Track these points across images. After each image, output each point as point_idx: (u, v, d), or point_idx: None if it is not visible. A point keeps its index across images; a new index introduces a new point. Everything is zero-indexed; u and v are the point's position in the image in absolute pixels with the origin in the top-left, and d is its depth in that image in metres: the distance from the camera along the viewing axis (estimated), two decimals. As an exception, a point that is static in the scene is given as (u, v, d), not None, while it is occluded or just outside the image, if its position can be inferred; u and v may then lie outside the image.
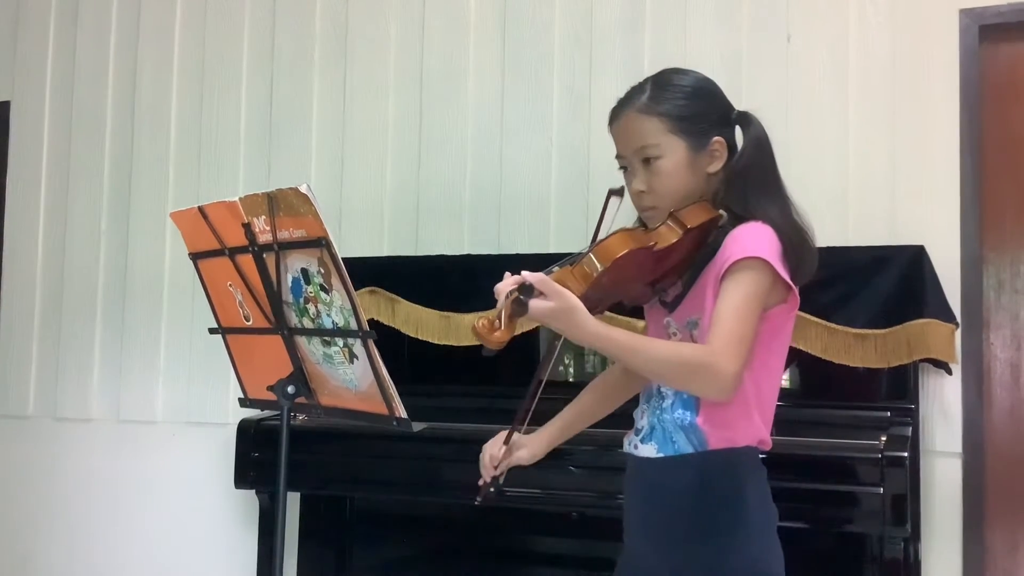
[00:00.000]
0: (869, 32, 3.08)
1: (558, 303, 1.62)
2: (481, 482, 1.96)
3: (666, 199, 1.80)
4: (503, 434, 1.95)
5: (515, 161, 3.44)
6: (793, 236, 1.76)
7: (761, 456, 1.81)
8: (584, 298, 1.65)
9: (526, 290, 1.60)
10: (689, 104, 1.81)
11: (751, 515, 1.76)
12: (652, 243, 1.71)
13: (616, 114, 1.87)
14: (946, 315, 2.74)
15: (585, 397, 2.08)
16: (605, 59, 3.35)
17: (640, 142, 1.80)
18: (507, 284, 1.63)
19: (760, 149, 1.83)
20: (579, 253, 1.71)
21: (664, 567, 1.78)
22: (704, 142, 1.81)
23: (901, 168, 3.01)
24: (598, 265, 1.67)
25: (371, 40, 3.66)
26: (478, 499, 1.97)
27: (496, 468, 1.94)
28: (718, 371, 1.64)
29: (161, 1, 3.97)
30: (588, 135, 3.33)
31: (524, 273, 1.63)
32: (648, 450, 1.82)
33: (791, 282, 1.74)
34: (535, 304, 1.61)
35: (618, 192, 1.85)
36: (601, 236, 1.74)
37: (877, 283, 2.79)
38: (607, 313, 2.14)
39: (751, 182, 1.80)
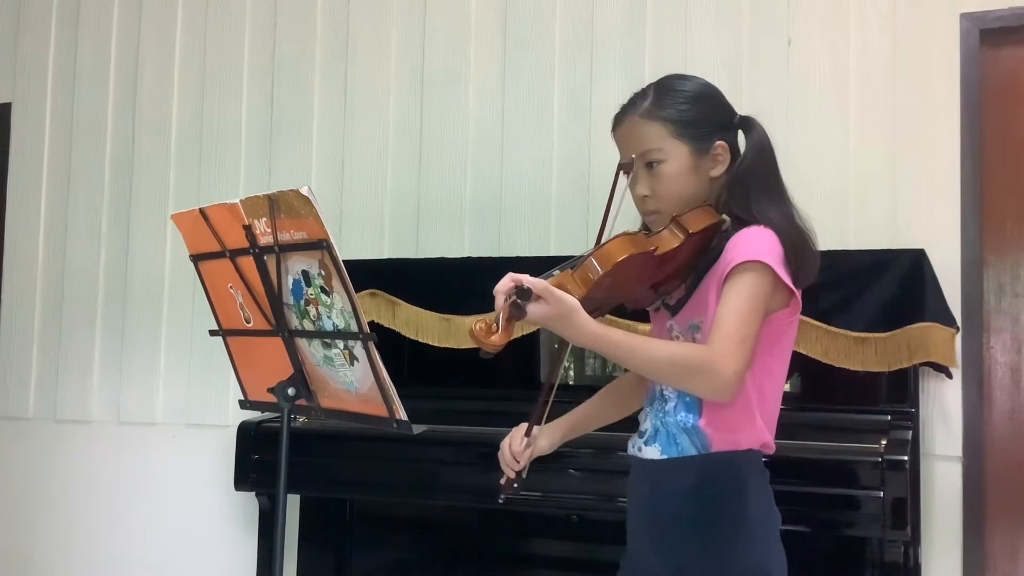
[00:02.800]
0: (870, 35, 3.08)
1: (555, 307, 1.63)
2: (504, 480, 1.93)
3: (670, 203, 1.81)
4: (520, 428, 1.93)
5: (516, 164, 3.45)
6: (795, 240, 1.77)
7: (763, 460, 1.82)
8: (584, 301, 1.66)
9: (523, 294, 1.61)
10: (692, 109, 1.82)
11: (754, 518, 1.76)
12: (653, 248, 1.72)
13: (619, 120, 1.88)
14: (946, 319, 2.74)
15: (600, 399, 2.09)
16: (606, 62, 3.36)
17: (643, 146, 1.81)
18: (505, 286, 1.64)
19: (762, 154, 1.84)
20: (581, 256, 1.71)
21: (666, 569, 1.78)
22: (707, 146, 1.83)
23: (902, 171, 3.01)
24: (599, 269, 1.68)
25: (372, 43, 3.67)
26: (502, 497, 1.94)
27: (519, 462, 1.91)
28: (717, 371, 1.64)
29: (162, 3, 3.97)
30: (589, 138, 3.34)
31: (522, 277, 1.64)
32: (652, 452, 1.82)
33: (793, 286, 1.74)
34: (533, 308, 1.62)
35: (627, 166, 1.83)
36: (612, 226, 1.75)
37: (877, 287, 2.79)
38: (608, 316, 2.14)
39: (754, 186, 1.80)
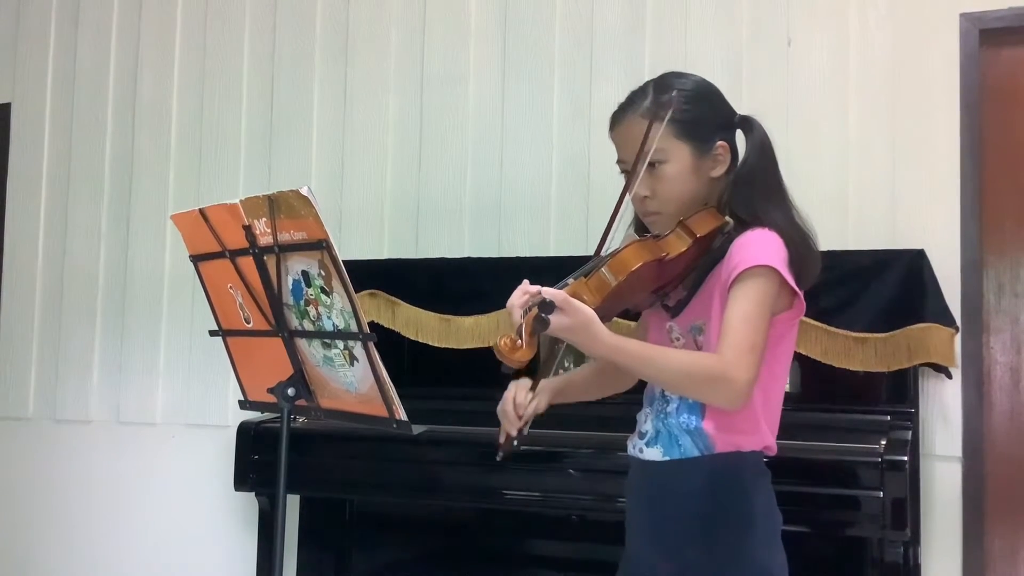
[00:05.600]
0: (869, 35, 3.08)
1: (575, 318, 1.61)
2: (503, 436, 1.84)
3: (670, 204, 1.80)
4: (523, 383, 1.85)
5: (515, 164, 3.45)
6: (798, 242, 1.76)
7: (764, 460, 1.81)
8: (597, 309, 1.65)
9: (546, 307, 1.59)
10: (692, 108, 1.80)
11: (757, 520, 1.76)
12: (664, 253, 1.71)
13: (617, 119, 1.86)
14: (946, 319, 2.74)
15: (590, 372, 2.06)
16: (605, 62, 3.36)
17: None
18: (521, 299, 1.62)
19: (764, 154, 1.82)
20: (590, 264, 1.70)
21: (668, 571, 1.78)
22: (708, 147, 1.81)
23: (901, 171, 3.01)
24: (613, 278, 1.67)
25: (372, 42, 3.67)
26: (500, 455, 1.85)
27: (521, 417, 1.82)
28: (731, 381, 1.64)
29: (162, 3, 3.97)
30: (588, 138, 3.33)
31: (540, 289, 1.62)
32: (653, 453, 1.82)
33: (797, 288, 1.74)
34: (555, 320, 1.60)
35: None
36: (614, 248, 1.73)
37: (877, 287, 2.79)
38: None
39: (756, 187, 1.79)
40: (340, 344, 1.92)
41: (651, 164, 1.79)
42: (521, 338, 1.58)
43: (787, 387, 2.84)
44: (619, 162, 1.86)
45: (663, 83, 1.84)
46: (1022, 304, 3.01)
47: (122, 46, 4.02)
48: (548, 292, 1.61)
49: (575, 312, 1.61)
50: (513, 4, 3.49)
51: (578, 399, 2.04)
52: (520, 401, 1.83)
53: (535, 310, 1.59)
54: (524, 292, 1.63)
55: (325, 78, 3.73)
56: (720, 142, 1.82)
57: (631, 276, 1.67)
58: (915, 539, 2.70)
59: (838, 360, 2.76)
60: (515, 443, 1.83)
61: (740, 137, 1.88)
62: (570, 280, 1.68)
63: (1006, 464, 2.97)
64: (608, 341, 1.65)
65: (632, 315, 2.46)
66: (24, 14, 4.18)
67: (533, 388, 1.84)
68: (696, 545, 1.75)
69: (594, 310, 1.64)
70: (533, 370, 1.78)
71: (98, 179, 4.00)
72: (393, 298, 3.24)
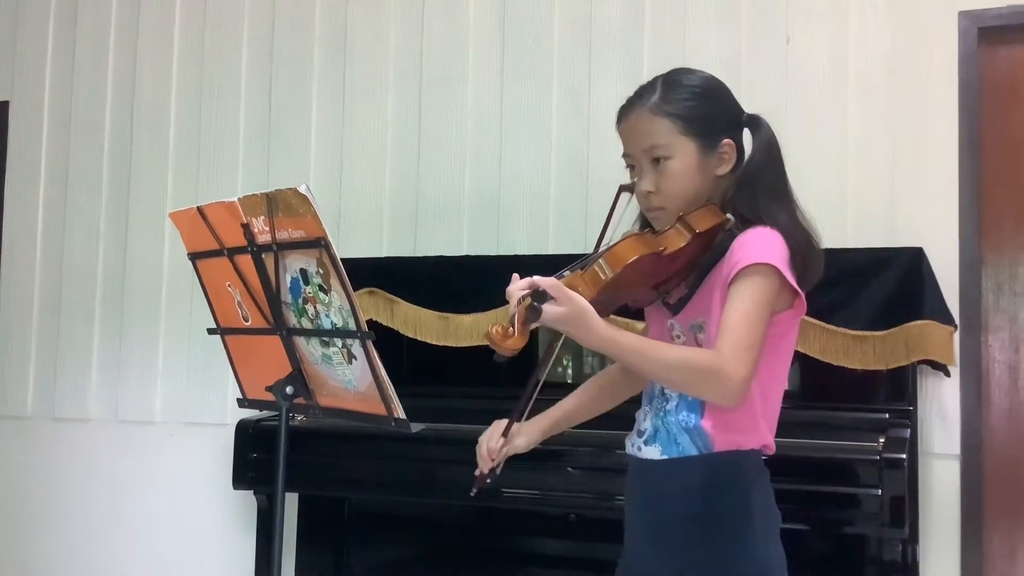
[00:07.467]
0: (868, 34, 3.08)
1: (570, 308, 1.61)
2: (478, 472, 1.90)
3: (674, 200, 1.79)
4: (500, 424, 1.90)
5: (514, 162, 3.45)
6: (801, 241, 1.75)
7: (763, 459, 1.81)
8: (593, 302, 1.64)
9: (539, 296, 1.59)
10: (700, 105, 1.79)
11: (755, 519, 1.75)
12: (662, 248, 1.70)
13: (625, 113, 1.85)
14: (945, 317, 2.75)
15: (585, 391, 2.05)
16: (604, 61, 3.36)
17: (650, 142, 1.78)
18: (518, 288, 1.62)
19: (770, 154, 1.81)
20: (588, 257, 1.70)
21: (667, 570, 1.77)
22: (714, 144, 1.80)
23: (900, 170, 3.01)
24: (609, 270, 1.67)
25: (371, 41, 3.67)
26: (474, 490, 1.90)
27: (494, 460, 1.88)
28: (727, 377, 1.63)
29: (160, 2, 3.97)
30: (587, 137, 3.33)
31: (536, 278, 1.61)
32: (652, 452, 1.81)
33: (798, 287, 1.74)
34: (548, 309, 1.59)
35: (628, 188, 1.83)
36: (611, 238, 1.73)
37: (876, 285, 2.79)
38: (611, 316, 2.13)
39: (761, 187, 1.78)
40: (338, 342, 1.92)
41: (656, 160, 1.79)
42: (513, 326, 1.58)
43: (786, 385, 2.84)
44: (625, 156, 1.85)
45: (672, 79, 1.84)
46: (1020, 302, 3.02)
47: (121, 45, 4.02)
48: (543, 282, 1.61)
49: (569, 301, 1.61)
50: (512, 3, 3.49)
51: (585, 419, 2.04)
52: (492, 447, 1.89)
53: (529, 299, 1.59)
54: (523, 281, 1.62)
55: (324, 77, 3.73)
56: (726, 140, 1.81)
57: (626, 269, 1.66)
58: (913, 537, 2.70)
59: (837, 358, 2.76)
60: (487, 480, 1.89)
61: (746, 136, 1.88)
62: (566, 272, 1.68)
63: (1004, 462, 2.98)
64: (603, 333, 1.64)
65: (632, 313, 2.46)
66: (23, 12, 4.17)
67: (505, 433, 1.89)
68: (695, 544, 1.75)
69: (589, 303, 1.64)
70: (526, 360, 1.78)
71: (96, 177, 4.00)
72: (392, 296, 3.24)
